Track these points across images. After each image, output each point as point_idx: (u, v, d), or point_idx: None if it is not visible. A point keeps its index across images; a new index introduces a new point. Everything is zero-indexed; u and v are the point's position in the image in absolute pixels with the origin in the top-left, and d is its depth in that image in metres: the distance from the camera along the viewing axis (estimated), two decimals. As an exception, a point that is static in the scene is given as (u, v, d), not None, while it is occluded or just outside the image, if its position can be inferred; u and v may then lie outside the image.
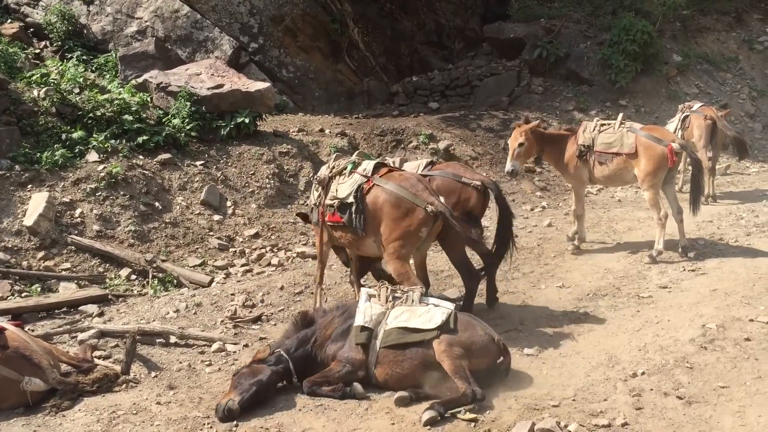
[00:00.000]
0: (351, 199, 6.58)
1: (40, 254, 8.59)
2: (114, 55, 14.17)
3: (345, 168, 6.83)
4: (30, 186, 9.35)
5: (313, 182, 7.13)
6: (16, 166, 9.47)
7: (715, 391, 5.55)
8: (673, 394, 5.52)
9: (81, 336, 6.89)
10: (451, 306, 5.88)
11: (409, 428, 5.19)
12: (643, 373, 5.89)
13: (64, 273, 8.45)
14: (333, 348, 5.79)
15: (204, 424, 5.39)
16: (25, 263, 8.45)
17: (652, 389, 5.62)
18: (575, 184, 9.54)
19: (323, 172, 7.03)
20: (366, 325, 5.69)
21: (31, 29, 15.02)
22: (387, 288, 6.02)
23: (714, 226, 10.27)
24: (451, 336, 5.57)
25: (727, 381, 5.70)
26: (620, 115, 9.55)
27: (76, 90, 11.09)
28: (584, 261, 9.06)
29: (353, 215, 6.54)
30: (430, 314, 5.69)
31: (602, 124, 9.29)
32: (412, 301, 5.87)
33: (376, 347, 5.66)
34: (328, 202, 6.78)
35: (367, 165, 6.80)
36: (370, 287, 6.32)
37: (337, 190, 6.72)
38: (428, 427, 5.10)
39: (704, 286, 7.85)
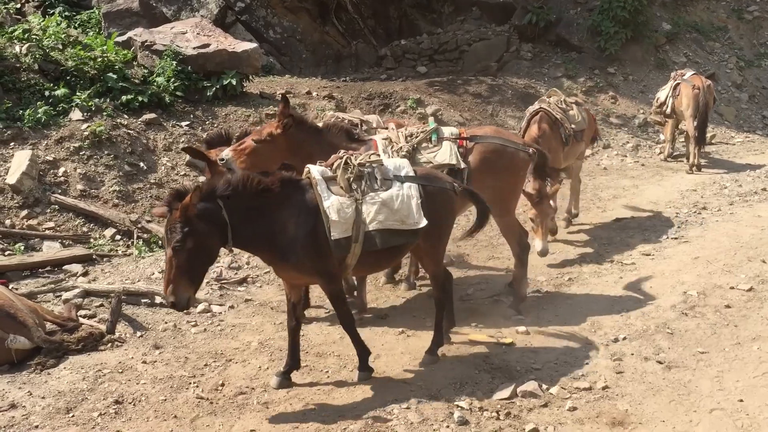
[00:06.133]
0: (463, 164, 6.32)
1: (23, 213, 8.51)
2: (97, 12, 13.89)
3: (429, 137, 6.43)
4: (12, 144, 9.22)
5: (387, 157, 6.32)
6: (-2, 123, 9.33)
7: (695, 357, 5.66)
8: (654, 359, 5.63)
9: (65, 295, 6.86)
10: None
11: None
12: (624, 338, 6.00)
13: (47, 232, 8.37)
14: None
15: (190, 383, 5.42)
16: (8, 222, 8.36)
17: (632, 354, 5.73)
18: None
19: (401, 143, 6.38)
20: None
21: (12, -16, 14.67)
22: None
23: (698, 195, 10.36)
24: None
25: (707, 347, 5.81)
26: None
27: (59, 47, 10.88)
28: (568, 228, 9.12)
29: (465, 180, 6.27)
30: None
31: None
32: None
33: None
34: None
35: (449, 130, 6.61)
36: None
37: (435, 159, 6.32)
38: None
39: (686, 253, 7.94)
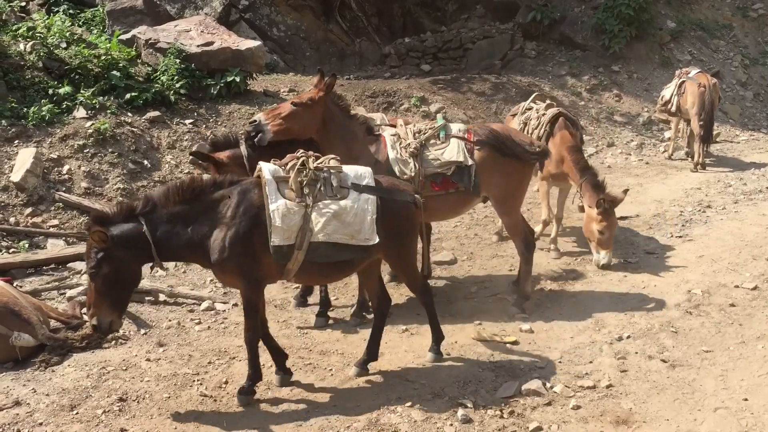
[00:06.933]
0: (471, 161, 6.28)
1: (28, 210, 8.52)
2: (101, 10, 13.91)
3: (436, 134, 6.41)
4: (17, 141, 9.23)
5: (396, 154, 6.30)
6: (3, 121, 9.32)
7: (699, 355, 5.65)
8: (658, 358, 5.62)
9: (69, 293, 6.88)
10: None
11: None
12: (628, 337, 5.99)
13: (52, 230, 8.38)
14: None
15: (194, 380, 5.42)
16: (12, 219, 8.38)
17: (637, 352, 5.72)
18: None
19: (409, 140, 6.33)
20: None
21: (16, -19, 14.68)
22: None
23: (702, 194, 10.33)
24: None
25: (711, 345, 5.80)
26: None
27: (63, 44, 10.90)
28: (572, 226, 9.10)
29: (473, 177, 6.28)
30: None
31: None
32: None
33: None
34: (438, 171, 6.27)
35: (458, 126, 6.59)
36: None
37: (443, 156, 6.30)
38: None
39: (691, 252, 7.93)
